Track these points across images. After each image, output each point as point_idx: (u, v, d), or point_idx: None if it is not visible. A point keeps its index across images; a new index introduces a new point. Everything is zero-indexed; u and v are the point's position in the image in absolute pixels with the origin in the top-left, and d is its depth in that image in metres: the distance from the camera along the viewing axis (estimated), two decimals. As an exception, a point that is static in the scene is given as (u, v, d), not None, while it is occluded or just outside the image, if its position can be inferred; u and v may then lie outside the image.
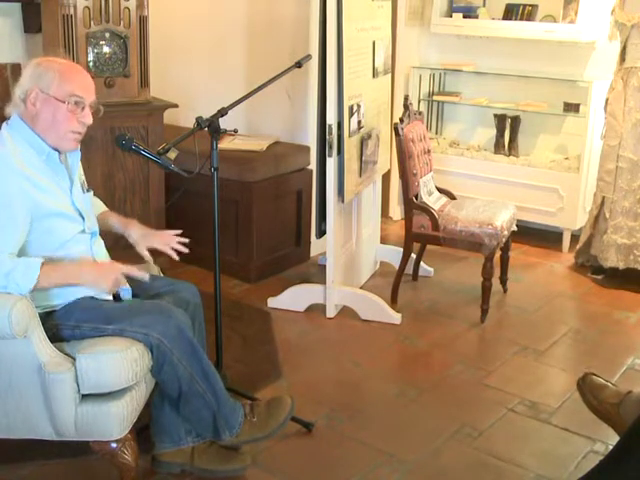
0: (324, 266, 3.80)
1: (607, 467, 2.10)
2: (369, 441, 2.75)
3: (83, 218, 2.36)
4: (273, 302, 3.87)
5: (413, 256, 4.18)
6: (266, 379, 3.14)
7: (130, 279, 2.48)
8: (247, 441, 2.47)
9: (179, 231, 2.62)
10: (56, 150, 2.29)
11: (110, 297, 2.39)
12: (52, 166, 2.29)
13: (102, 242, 2.47)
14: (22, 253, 2.20)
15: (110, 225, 2.60)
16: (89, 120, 2.29)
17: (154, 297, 2.47)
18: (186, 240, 2.59)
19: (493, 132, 5.18)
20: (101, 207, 2.66)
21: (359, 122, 3.75)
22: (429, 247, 4.18)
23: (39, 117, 2.24)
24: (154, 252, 2.61)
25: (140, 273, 2.33)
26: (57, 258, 2.27)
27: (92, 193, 2.51)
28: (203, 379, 2.33)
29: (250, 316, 3.78)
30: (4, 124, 2.29)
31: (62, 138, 2.27)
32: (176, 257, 2.59)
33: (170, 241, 2.58)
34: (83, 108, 2.27)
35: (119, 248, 2.61)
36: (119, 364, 2.17)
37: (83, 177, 2.49)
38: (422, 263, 4.34)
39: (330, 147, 3.54)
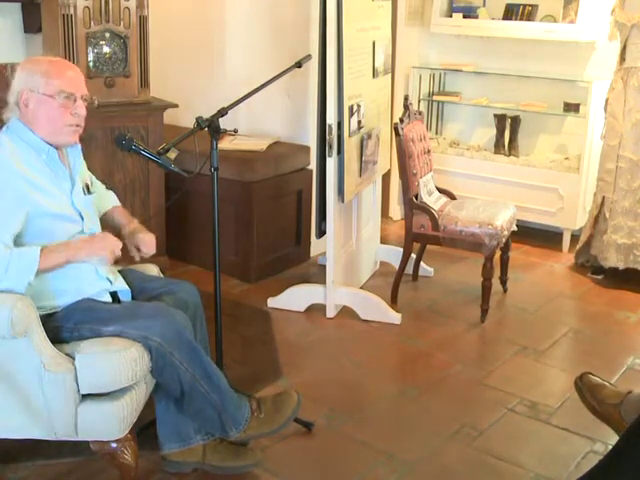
0: (324, 266, 3.80)
1: (607, 467, 2.10)
2: (369, 441, 2.75)
3: (82, 218, 2.36)
4: (273, 302, 3.87)
5: (413, 256, 4.18)
6: (266, 379, 3.14)
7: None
8: (254, 436, 2.46)
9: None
10: (55, 148, 2.29)
11: (109, 298, 2.39)
12: (52, 166, 2.29)
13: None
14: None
15: (115, 221, 2.62)
16: (82, 111, 2.31)
17: (153, 298, 2.47)
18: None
19: (493, 132, 5.18)
20: (114, 202, 2.68)
21: (359, 122, 3.75)
22: (429, 247, 4.18)
23: (35, 117, 2.26)
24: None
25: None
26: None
27: (94, 196, 2.51)
28: (205, 379, 2.33)
29: (250, 316, 3.78)
30: (3, 127, 2.29)
31: (59, 133, 2.29)
32: (137, 258, 2.57)
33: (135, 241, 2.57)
34: (75, 101, 2.29)
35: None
36: (118, 364, 2.17)
37: (88, 180, 2.50)
38: (422, 263, 4.34)
39: (330, 147, 3.54)
